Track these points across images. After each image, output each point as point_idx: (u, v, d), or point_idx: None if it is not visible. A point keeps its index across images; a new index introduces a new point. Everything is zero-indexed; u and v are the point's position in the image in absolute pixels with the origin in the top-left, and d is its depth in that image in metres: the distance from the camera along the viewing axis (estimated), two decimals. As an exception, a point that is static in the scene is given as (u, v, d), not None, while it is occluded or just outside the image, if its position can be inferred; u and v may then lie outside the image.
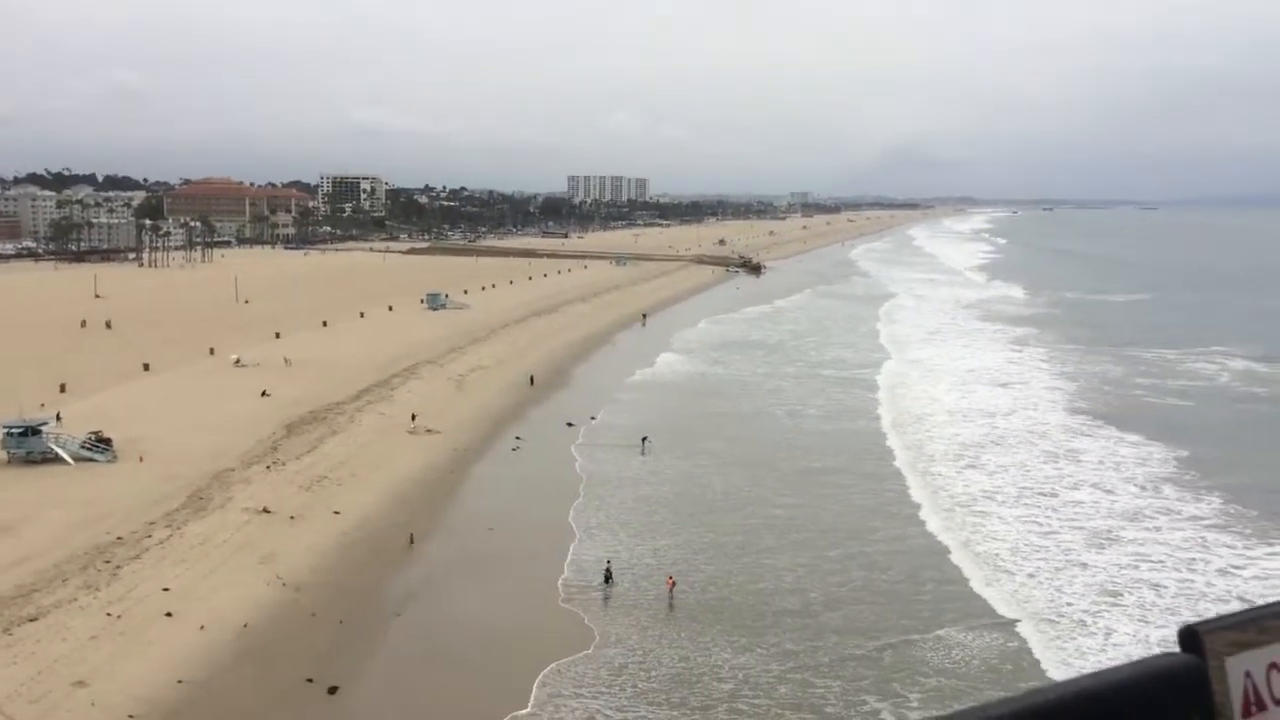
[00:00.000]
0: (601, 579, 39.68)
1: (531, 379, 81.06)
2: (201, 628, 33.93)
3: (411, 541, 43.57)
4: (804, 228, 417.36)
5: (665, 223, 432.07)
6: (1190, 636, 1.81)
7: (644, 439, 61.66)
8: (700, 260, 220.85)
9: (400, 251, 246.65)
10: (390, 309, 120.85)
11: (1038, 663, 33.25)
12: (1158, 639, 34.63)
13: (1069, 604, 38.08)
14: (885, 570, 41.66)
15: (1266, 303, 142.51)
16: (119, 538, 41.53)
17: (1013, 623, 36.50)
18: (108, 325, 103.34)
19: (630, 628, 36.00)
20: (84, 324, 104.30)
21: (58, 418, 58.93)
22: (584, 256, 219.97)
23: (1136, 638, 35.01)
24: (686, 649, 34.27)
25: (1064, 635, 35.51)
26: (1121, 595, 38.93)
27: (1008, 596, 38.96)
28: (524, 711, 29.86)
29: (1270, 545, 44.29)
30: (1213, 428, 67.24)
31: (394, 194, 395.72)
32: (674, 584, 38.98)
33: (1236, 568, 41.85)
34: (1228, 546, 44.17)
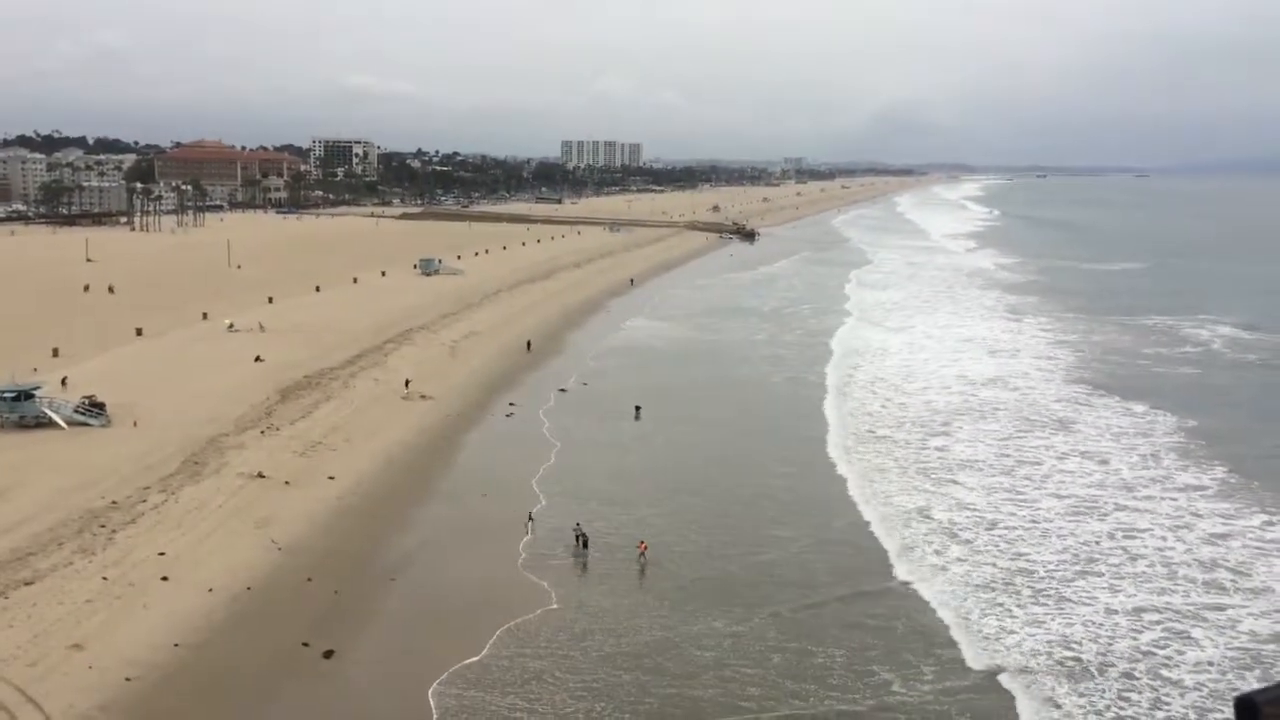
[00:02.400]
0: (580, 545, 40.00)
1: (529, 344, 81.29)
2: (210, 590, 34.17)
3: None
4: (798, 194, 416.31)
5: (659, 189, 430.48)
6: (1247, 707, 1.81)
7: (637, 407, 61.88)
8: (694, 226, 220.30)
9: (393, 216, 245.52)
10: (383, 274, 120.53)
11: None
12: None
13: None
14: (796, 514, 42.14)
15: (1250, 270, 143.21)
16: (114, 502, 41.67)
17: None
18: (110, 290, 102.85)
19: (601, 591, 36.56)
20: (87, 288, 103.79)
21: (63, 383, 58.94)
22: (578, 222, 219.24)
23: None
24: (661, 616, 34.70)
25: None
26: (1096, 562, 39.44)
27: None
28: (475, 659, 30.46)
29: (1268, 514, 44.85)
30: (1202, 391, 68.08)
31: (386, 158, 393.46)
32: (645, 548, 39.31)
33: (1220, 536, 42.36)
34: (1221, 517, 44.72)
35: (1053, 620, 34.23)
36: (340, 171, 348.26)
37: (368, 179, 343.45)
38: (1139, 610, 35.06)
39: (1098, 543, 41.22)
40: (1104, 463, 52.24)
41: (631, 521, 42.79)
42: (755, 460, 53.06)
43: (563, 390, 67.43)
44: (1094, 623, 34.02)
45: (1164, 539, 41.75)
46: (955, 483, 48.74)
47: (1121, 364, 77.73)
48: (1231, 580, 37.76)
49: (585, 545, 39.84)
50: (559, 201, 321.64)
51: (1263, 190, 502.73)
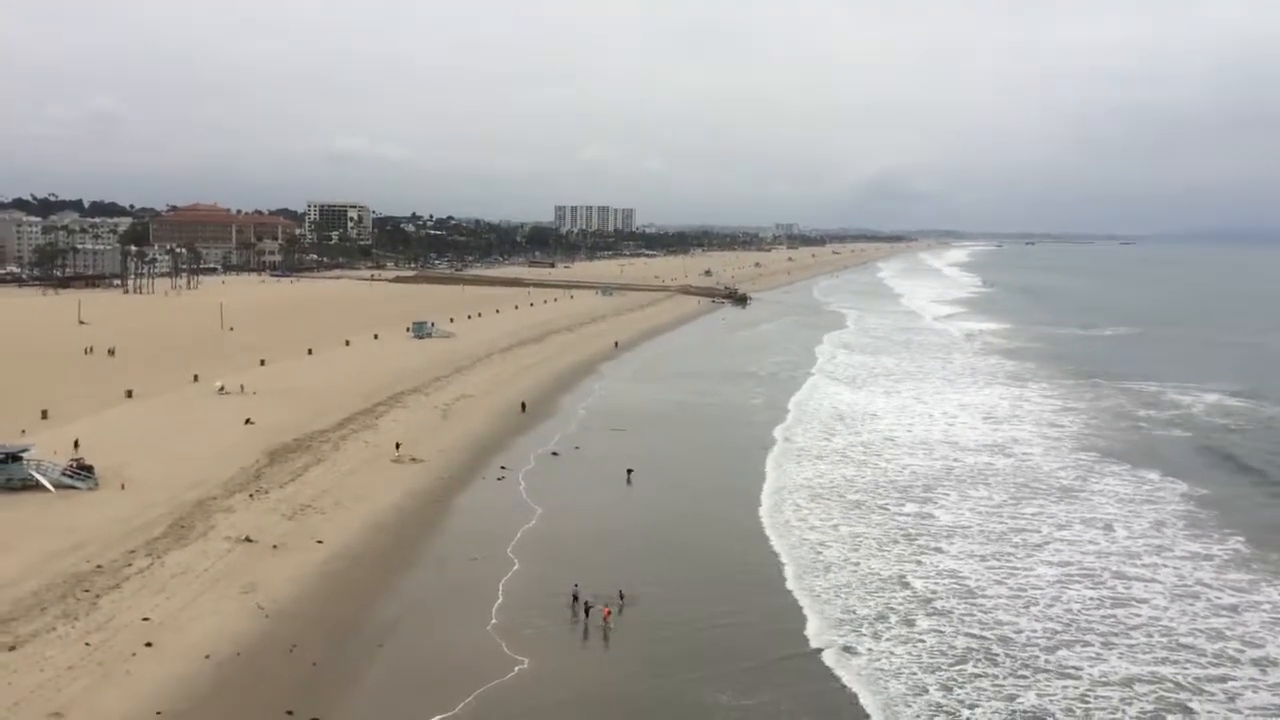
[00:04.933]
0: (575, 606, 39.57)
1: (523, 405, 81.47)
2: (194, 657, 33.62)
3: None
4: (790, 259, 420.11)
5: (651, 253, 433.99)
6: None
7: (629, 471, 61.71)
8: (687, 291, 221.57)
9: (387, 280, 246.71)
10: (376, 337, 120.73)
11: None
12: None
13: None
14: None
15: (1233, 338, 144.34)
16: (99, 566, 41.19)
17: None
18: (111, 352, 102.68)
19: (590, 657, 36.10)
20: (89, 350, 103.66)
21: (75, 445, 58.59)
22: (570, 286, 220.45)
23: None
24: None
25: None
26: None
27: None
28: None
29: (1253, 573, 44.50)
30: (1204, 459, 68.10)
31: (380, 222, 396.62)
32: (610, 613, 38.97)
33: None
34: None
35: (1027, 692, 33.32)
36: (335, 235, 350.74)
37: (362, 242, 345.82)
38: (1130, 680, 34.36)
39: (1092, 610, 40.64)
40: (1107, 529, 51.67)
41: (616, 585, 42.00)
42: (739, 524, 52.46)
43: (554, 454, 67.22)
44: (1077, 694, 33.26)
45: (1165, 608, 40.89)
46: (939, 550, 48.30)
47: (1121, 430, 77.54)
48: (1239, 651, 36.82)
49: (587, 611, 39.28)
50: (552, 265, 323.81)
51: (1238, 258, 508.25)
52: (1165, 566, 46.12)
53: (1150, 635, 38.27)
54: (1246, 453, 70.58)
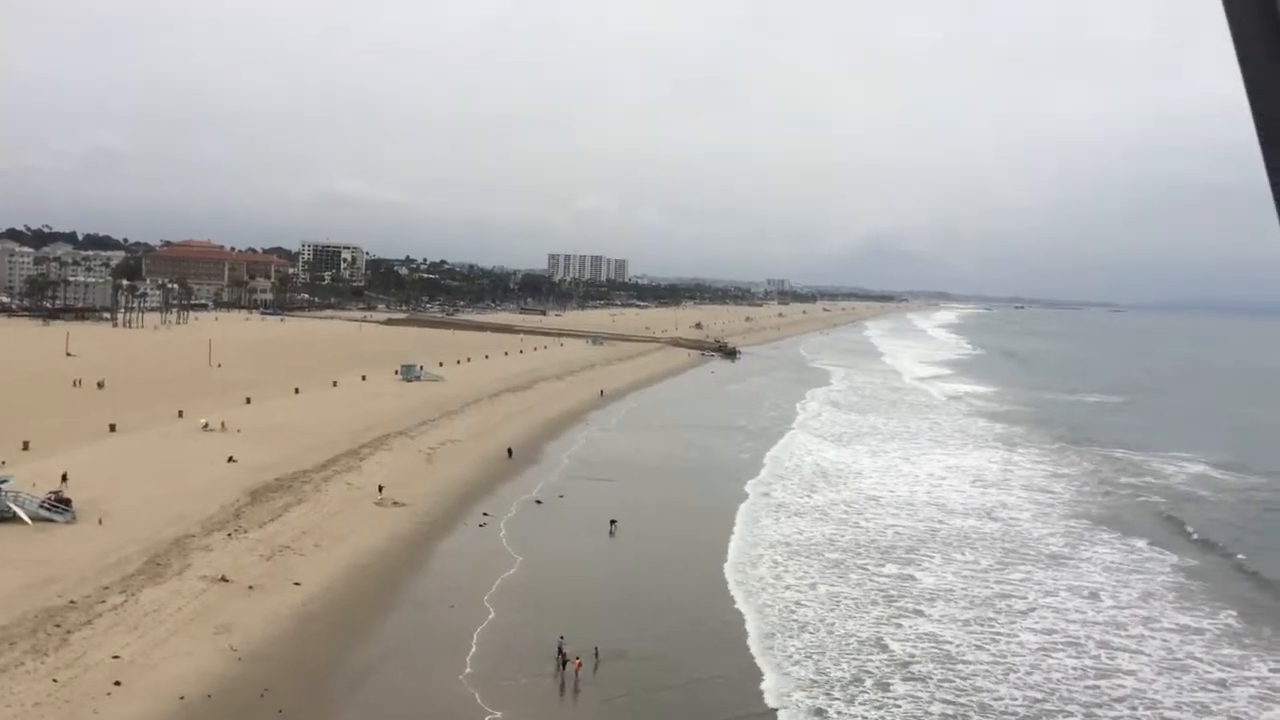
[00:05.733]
0: (559, 658, 39.12)
1: (510, 451, 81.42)
2: (162, 698, 33.04)
3: None
4: (780, 315, 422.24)
5: (643, 304, 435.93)
6: None
7: (612, 521, 61.40)
8: (677, 343, 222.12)
9: (378, 321, 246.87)
10: (364, 378, 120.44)
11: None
12: None
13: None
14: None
15: (1218, 407, 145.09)
16: (71, 601, 40.61)
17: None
18: (100, 385, 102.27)
19: (565, 713, 35.42)
20: (77, 383, 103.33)
21: (63, 479, 57.99)
22: (561, 334, 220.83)
23: None
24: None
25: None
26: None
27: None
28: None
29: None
30: (1191, 528, 67.85)
31: (374, 264, 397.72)
32: (581, 665, 38.56)
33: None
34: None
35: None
36: (328, 275, 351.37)
37: (355, 283, 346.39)
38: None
39: (1075, 680, 40.27)
40: (1094, 597, 51.28)
41: (594, 638, 41.55)
42: (715, 579, 52.06)
43: (538, 502, 66.90)
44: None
45: (1151, 681, 40.33)
46: (920, 613, 47.95)
47: (1108, 498, 77.29)
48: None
49: (564, 664, 38.81)
50: (544, 313, 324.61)
51: (1227, 329, 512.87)
52: (1153, 638, 45.69)
53: (1135, 708, 37.94)
54: (1234, 525, 70.29)
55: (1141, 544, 62.60)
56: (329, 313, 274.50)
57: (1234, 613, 49.58)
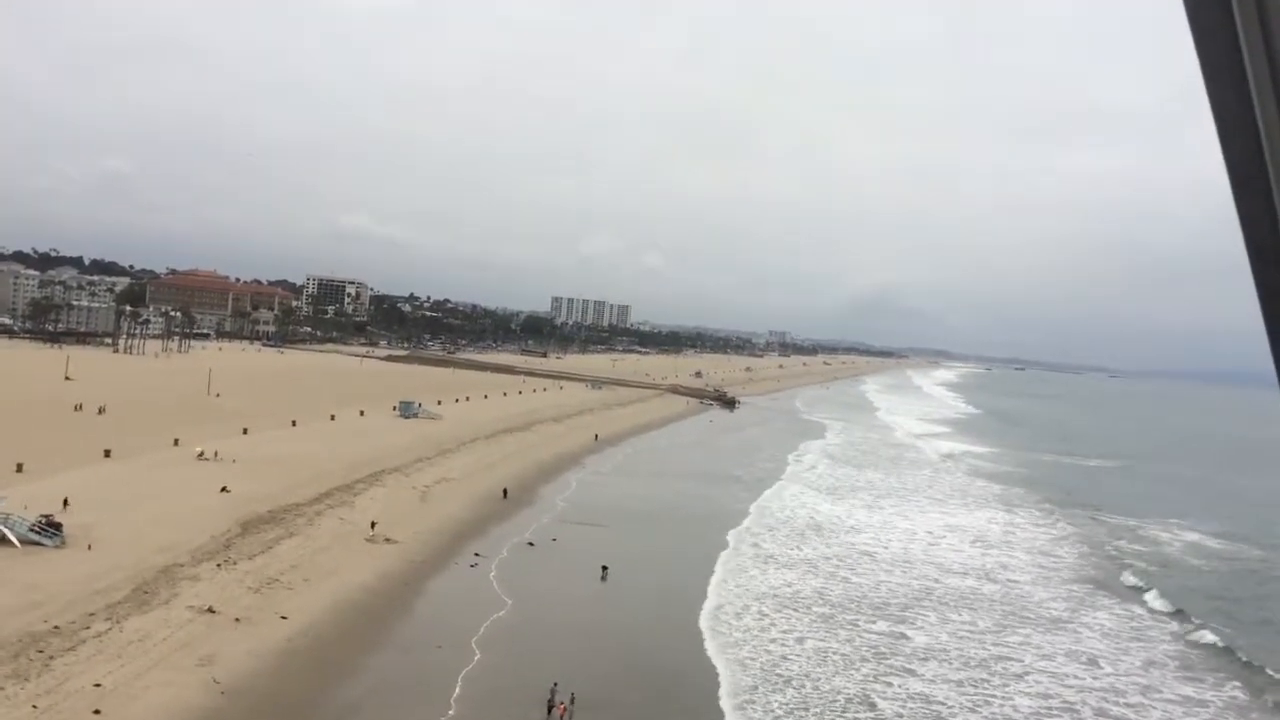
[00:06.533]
0: (546, 708, 38.64)
1: (505, 492, 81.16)
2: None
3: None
4: (780, 366, 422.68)
5: (644, 350, 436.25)
6: None
7: (604, 567, 60.98)
8: (676, 390, 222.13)
9: (379, 357, 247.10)
10: (362, 414, 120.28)
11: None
12: None
13: None
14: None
15: (1213, 477, 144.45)
16: (56, 627, 40.26)
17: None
18: (101, 411, 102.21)
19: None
20: (79, 408, 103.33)
21: (65, 504, 57.79)
22: (561, 377, 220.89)
23: None
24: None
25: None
26: None
27: None
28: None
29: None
30: (1192, 597, 67.04)
31: (378, 300, 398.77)
32: (565, 710, 38.11)
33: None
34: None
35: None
36: (331, 309, 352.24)
37: (358, 318, 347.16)
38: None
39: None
40: (1093, 663, 50.73)
41: (580, 684, 41.18)
42: (696, 629, 51.56)
43: (530, 544, 66.53)
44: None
45: None
46: (911, 672, 47.44)
47: (1103, 563, 76.80)
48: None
49: (549, 710, 38.37)
50: (544, 355, 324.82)
51: (1225, 399, 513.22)
52: (1154, 708, 45.10)
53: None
54: (1232, 597, 69.56)
55: (1141, 611, 62.04)
56: (331, 346, 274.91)
57: (1239, 684, 48.95)
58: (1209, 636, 57.56)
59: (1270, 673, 51.46)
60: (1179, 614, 62.01)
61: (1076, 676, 48.60)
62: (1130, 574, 73.49)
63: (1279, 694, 48.18)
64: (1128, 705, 45.19)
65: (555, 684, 39.81)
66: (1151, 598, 65.76)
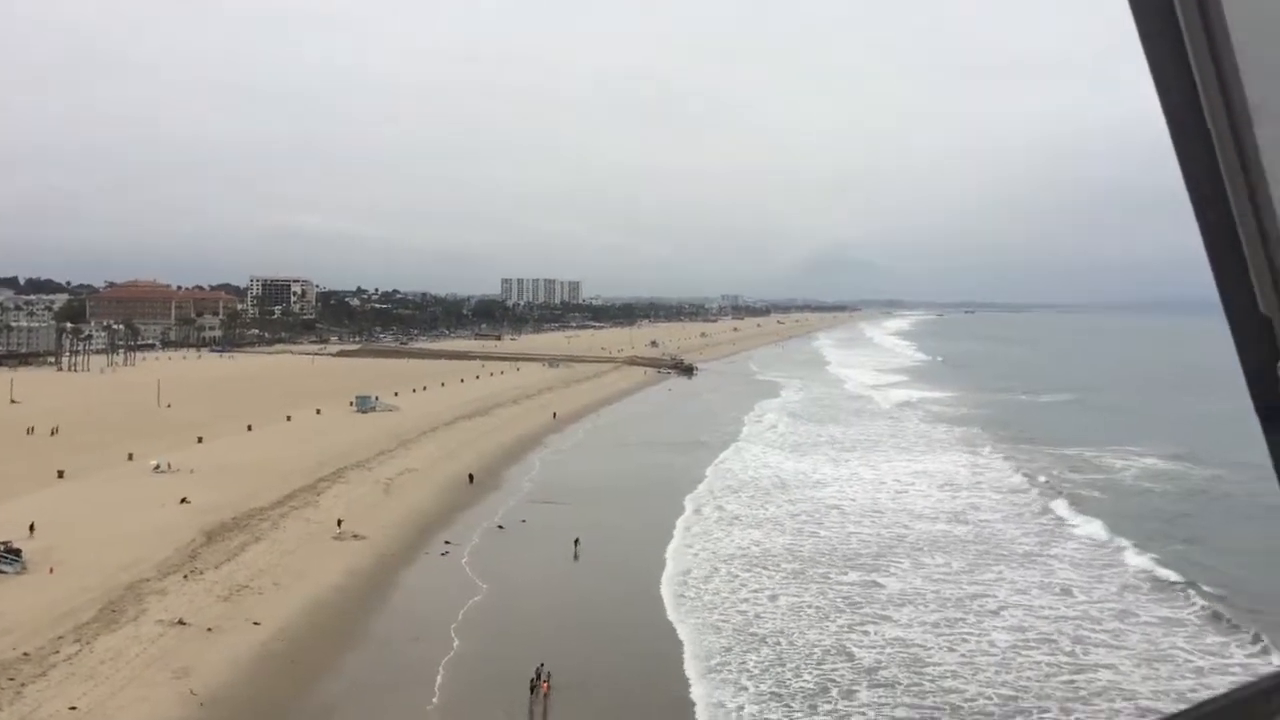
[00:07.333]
0: (530, 688, 38.70)
1: (470, 477, 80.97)
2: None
3: None
4: (735, 329, 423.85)
5: (598, 325, 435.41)
6: None
7: (576, 541, 61.04)
8: (633, 362, 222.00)
9: (330, 354, 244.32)
10: (318, 412, 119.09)
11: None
12: None
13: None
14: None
15: (1163, 404, 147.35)
16: (25, 654, 39.59)
17: None
18: (54, 432, 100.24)
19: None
20: (30, 430, 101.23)
21: (31, 529, 56.48)
22: (517, 358, 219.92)
23: None
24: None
25: None
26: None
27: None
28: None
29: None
30: (1158, 520, 68.42)
31: (325, 296, 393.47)
32: (549, 689, 38.35)
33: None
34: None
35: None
36: (278, 309, 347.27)
37: (305, 317, 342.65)
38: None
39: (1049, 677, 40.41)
40: (1066, 593, 51.47)
41: (557, 659, 41.26)
42: (666, 596, 51.76)
43: (500, 528, 66.41)
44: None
45: (1129, 674, 40.33)
46: (887, 618, 47.95)
47: (1071, 492, 77.87)
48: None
49: (532, 689, 38.38)
50: (499, 338, 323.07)
51: (1171, 328, 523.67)
52: (1131, 632, 45.80)
53: (1113, 700, 38.19)
54: (1193, 516, 71.04)
55: (1105, 535, 63.05)
56: (280, 347, 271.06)
57: (1205, 601, 49.66)
58: (1174, 556, 58.48)
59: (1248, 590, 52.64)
60: (1141, 536, 63.14)
61: (1051, 607, 49.45)
62: (1092, 502, 74.87)
63: (1244, 601, 49.37)
64: (1105, 631, 46.03)
65: (541, 664, 39.82)
66: (1113, 521, 66.84)
